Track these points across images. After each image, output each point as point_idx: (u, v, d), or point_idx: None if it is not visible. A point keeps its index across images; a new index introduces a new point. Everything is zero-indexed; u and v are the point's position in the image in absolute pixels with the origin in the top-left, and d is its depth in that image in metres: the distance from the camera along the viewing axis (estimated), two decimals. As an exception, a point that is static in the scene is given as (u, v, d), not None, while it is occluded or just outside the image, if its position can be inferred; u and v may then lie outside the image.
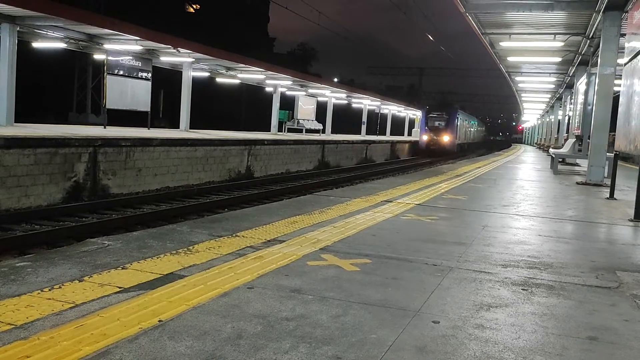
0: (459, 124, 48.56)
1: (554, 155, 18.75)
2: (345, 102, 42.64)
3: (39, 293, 3.49)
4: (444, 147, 45.31)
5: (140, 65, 20.51)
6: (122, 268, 4.14)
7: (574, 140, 19.04)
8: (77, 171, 13.02)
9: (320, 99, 36.93)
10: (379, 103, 45.41)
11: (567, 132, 26.18)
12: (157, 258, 4.47)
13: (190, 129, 23.26)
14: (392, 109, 50.13)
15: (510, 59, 22.54)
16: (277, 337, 3.00)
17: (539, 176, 16.03)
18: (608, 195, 10.62)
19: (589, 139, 14.81)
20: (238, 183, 18.43)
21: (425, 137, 46.08)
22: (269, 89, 32.85)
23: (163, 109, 33.59)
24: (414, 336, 3.12)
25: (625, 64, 9.71)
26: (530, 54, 21.37)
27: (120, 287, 3.68)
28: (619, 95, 10.15)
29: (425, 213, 7.57)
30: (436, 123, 46.11)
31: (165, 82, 30.48)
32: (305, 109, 35.10)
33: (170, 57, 21.60)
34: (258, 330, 3.08)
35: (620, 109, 9.64)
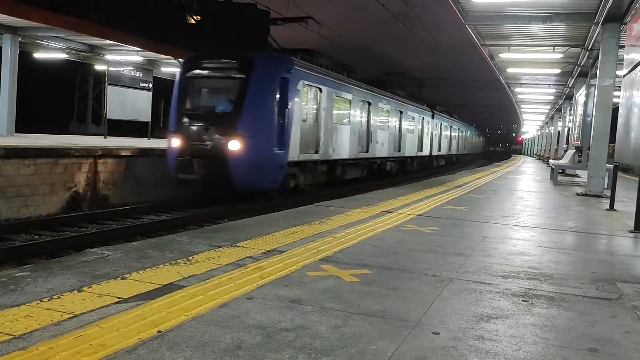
0: (307, 104, 15.73)
1: (553, 166, 18.78)
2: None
3: (38, 303, 3.48)
4: (226, 170, 13.16)
5: (141, 75, 20.63)
6: (122, 278, 4.13)
7: (574, 151, 19.07)
8: (77, 181, 13.02)
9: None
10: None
11: (567, 143, 26.24)
12: (157, 268, 4.47)
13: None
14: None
15: (509, 70, 22.64)
16: (276, 347, 2.99)
17: (539, 187, 16.03)
18: (608, 207, 10.62)
19: (588, 150, 14.84)
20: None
21: (175, 143, 13.82)
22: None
23: (164, 119, 33.60)
24: (413, 347, 3.11)
25: (625, 76, 9.75)
26: (530, 66, 21.47)
27: (119, 298, 3.67)
28: (618, 106, 10.19)
29: (425, 224, 7.57)
30: (212, 98, 14.49)
31: (167, 92, 30.52)
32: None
33: (171, 67, 21.71)
34: (257, 340, 3.07)
35: (619, 121, 9.66)
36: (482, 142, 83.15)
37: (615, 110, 11.81)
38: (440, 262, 5.25)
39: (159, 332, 3.12)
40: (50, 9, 15.86)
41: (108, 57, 19.14)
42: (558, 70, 21.27)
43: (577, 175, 21.40)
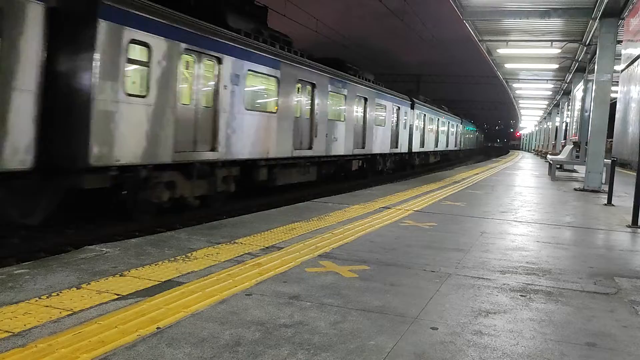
0: None
1: (551, 162, 18.80)
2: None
3: (36, 300, 3.48)
4: None
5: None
6: (120, 275, 4.13)
7: (572, 146, 19.10)
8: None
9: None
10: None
11: (565, 138, 26.27)
12: (155, 265, 4.47)
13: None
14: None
15: (507, 65, 22.65)
16: (275, 343, 2.99)
17: (537, 182, 16.05)
18: (606, 202, 10.63)
19: (586, 145, 14.86)
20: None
21: None
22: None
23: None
24: (412, 343, 3.11)
25: (622, 71, 9.77)
26: (528, 61, 21.48)
27: (118, 294, 3.67)
28: (616, 101, 10.20)
29: (424, 219, 7.57)
30: None
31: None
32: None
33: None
34: (256, 337, 3.08)
35: (617, 116, 9.68)
36: (474, 135, 62.98)
37: (613, 105, 11.83)
38: (438, 258, 5.26)
39: (158, 328, 3.12)
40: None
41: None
42: (556, 66, 21.28)
43: (575, 171, 21.43)
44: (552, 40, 17.41)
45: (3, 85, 7.34)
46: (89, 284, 3.88)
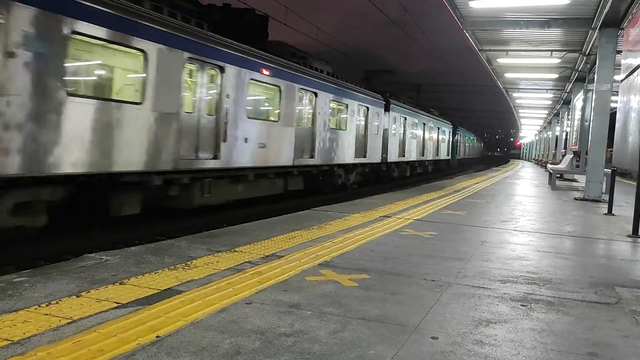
0: None
1: (551, 171, 18.81)
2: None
3: (36, 308, 3.48)
4: None
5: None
6: (120, 283, 4.12)
7: (572, 156, 19.12)
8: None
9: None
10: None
11: (565, 147, 26.30)
12: (155, 273, 4.46)
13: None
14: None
15: (507, 75, 22.72)
16: (275, 353, 2.98)
17: (537, 192, 16.05)
18: (606, 211, 10.62)
19: (586, 154, 14.88)
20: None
21: None
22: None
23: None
24: (412, 352, 3.10)
25: (622, 81, 9.81)
26: (527, 71, 21.55)
27: (117, 303, 3.66)
28: (615, 111, 10.23)
29: (424, 228, 7.57)
30: None
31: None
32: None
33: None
34: (256, 346, 3.07)
35: (617, 125, 9.71)
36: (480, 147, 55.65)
37: (612, 115, 11.86)
38: (439, 267, 5.25)
39: (157, 337, 3.11)
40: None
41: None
42: (556, 75, 21.35)
43: (575, 180, 21.43)
44: (552, 50, 17.47)
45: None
46: (89, 292, 3.87)
